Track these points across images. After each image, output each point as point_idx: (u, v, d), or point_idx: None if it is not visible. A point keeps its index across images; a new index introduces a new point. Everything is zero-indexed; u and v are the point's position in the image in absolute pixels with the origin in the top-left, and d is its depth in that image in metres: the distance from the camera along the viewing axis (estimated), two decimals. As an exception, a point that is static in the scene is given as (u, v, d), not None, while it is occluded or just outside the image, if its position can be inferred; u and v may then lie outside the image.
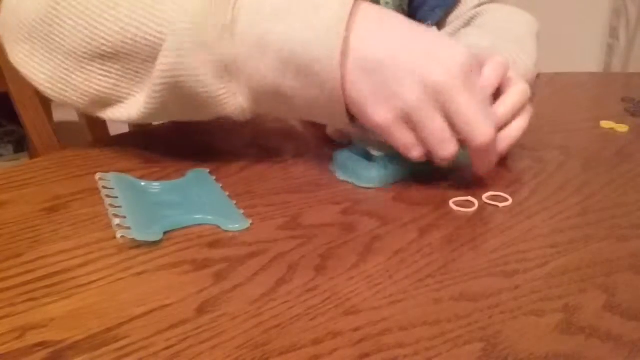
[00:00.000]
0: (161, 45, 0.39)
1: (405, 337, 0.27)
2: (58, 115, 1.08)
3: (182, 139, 0.51)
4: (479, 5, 0.73)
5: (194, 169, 0.45)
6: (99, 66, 0.42)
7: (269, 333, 0.27)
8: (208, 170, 0.44)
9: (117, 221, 0.34)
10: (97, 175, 0.41)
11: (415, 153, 0.41)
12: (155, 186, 0.42)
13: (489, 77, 0.44)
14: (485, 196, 0.43)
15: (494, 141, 0.41)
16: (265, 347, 0.26)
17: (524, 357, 0.26)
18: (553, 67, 0.89)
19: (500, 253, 0.35)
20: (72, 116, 0.66)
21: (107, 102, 0.44)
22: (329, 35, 0.39)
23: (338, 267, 0.33)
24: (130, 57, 0.41)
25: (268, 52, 0.40)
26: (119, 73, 0.42)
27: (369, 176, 0.44)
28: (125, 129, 0.61)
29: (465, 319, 0.29)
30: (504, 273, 0.33)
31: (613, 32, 2.04)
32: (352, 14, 0.39)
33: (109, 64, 0.42)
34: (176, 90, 0.41)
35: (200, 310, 0.29)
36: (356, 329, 0.28)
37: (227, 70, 0.40)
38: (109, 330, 0.27)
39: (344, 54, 0.39)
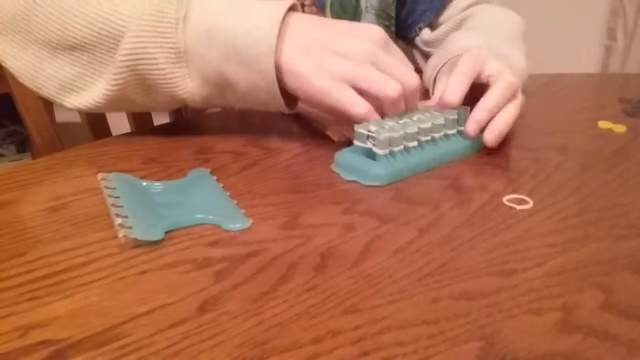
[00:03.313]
0: (123, 35, 0.45)
1: (405, 336, 0.27)
2: (60, 116, 1.08)
3: (183, 139, 0.51)
4: (469, 6, 0.74)
5: (195, 169, 0.45)
6: (68, 55, 0.47)
7: (270, 332, 0.27)
8: (209, 170, 0.45)
9: (118, 221, 0.35)
10: (99, 176, 0.41)
11: (360, 108, 0.46)
12: (157, 186, 0.42)
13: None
14: (506, 198, 0.43)
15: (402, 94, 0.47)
16: (265, 345, 0.27)
17: (522, 356, 0.27)
18: (551, 68, 0.89)
19: (499, 252, 0.35)
20: (74, 117, 0.66)
21: (71, 89, 0.49)
22: (267, 22, 0.45)
23: (338, 267, 0.33)
24: (95, 48, 0.47)
25: (215, 40, 0.46)
26: (84, 62, 0.48)
27: (376, 174, 0.44)
28: (127, 129, 0.62)
29: (464, 318, 0.29)
30: (502, 272, 0.33)
31: (611, 34, 2.04)
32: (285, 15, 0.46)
33: (77, 54, 0.47)
34: (135, 74, 0.47)
35: (201, 309, 0.29)
36: (356, 328, 0.28)
37: (180, 56, 0.47)
38: (110, 328, 0.27)
39: (281, 38, 0.46)
